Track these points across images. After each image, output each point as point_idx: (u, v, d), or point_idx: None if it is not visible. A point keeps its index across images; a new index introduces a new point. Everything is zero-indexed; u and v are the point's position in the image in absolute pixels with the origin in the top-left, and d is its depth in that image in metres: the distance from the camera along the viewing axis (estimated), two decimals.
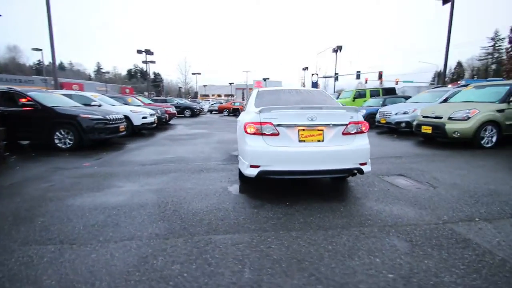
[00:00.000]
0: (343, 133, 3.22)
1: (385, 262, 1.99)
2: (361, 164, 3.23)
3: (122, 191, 3.65)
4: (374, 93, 13.64)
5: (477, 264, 1.96)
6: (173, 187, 3.79)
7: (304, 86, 62.10)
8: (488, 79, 43.15)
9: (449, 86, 12.99)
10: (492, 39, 61.39)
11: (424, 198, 3.31)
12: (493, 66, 61.35)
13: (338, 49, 25.14)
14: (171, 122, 15.08)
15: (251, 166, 3.18)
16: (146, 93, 39.34)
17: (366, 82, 38.11)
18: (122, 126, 7.71)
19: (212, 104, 30.16)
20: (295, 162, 3.12)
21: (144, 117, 9.66)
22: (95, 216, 2.83)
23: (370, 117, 10.69)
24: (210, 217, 2.78)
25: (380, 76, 34.98)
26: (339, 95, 16.47)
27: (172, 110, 14.69)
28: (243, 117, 3.78)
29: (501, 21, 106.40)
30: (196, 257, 2.05)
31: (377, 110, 10.32)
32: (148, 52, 29.06)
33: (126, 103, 11.23)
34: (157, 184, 3.94)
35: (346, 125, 3.22)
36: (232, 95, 64.28)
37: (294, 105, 3.65)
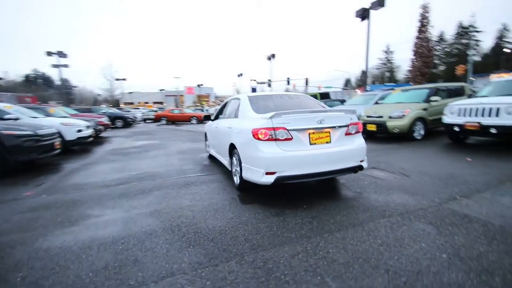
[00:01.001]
0: (346, 134, 3.43)
1: (430, 245, 2.21)
2: (361, 161, 3.50)
3: (108, 220, 3.00)
4: (313, 97, 14.96)
5: (489, 233, 2.37)
6: (170, 207, 3.33)
7: (238, 92, 63.19)
8: (385, 84, 52.34)
9: (357, 90, 15.34)
10: (385, 52, 75.54)
11: (407, 185, 3.80)
12: (387, 74, 75.42)
13: (272, 56, 26.66)
14: (104, 134, 13.17)
15: (267, 173, 3.07)
16: (53, 102, 33.16)
17: (294, 88, 41.64)
18: (57, 143, 6.34)
19: (144, 113, 27.66)
20: (309, 165, 3.16)
21: (79, 130, 8.15)
22: (98, 256, 2.25)
23: None
24: (242, 233, 2.55)
25: (307, 82, 38.62)
26: None
27: (106, 120, 12.86)
28: (243, 124, 3.61)
29: (392, 36, 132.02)
30: (266, 278, 1.85)
31: None
32: (61, 54, 24.59)
33: (48, 115, 9.27)
34: (146, 207, 3.39)
35: (348, 126, 3.44)
36: (162, 102, 60.39)
37: (291, 109, 3.70)
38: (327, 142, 3.30)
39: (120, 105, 53.27)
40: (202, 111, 25.68)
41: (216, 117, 5.78)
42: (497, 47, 57.15)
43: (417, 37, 17.60)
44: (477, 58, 57.12)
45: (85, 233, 2.71)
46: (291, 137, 3.15)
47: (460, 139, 6.72)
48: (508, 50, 46.02)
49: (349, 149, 3.38)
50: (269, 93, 4.58)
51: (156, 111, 26.47)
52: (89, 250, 2.34)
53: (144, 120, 25.21)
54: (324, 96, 15.37)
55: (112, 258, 2.21)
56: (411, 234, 2.40)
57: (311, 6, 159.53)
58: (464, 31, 59.63)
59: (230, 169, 4.28)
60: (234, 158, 3.95)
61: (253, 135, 3.22)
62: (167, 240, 2.47)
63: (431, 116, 7.60)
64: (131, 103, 62.40)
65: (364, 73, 16.87)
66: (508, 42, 55.54)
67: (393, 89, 11.10)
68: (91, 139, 8.96)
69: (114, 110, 20.27)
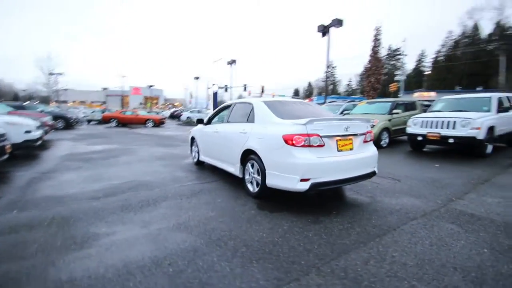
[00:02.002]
0: (364, 141, 3.63)
1: (468, 242, 2.48)
2: (374, 167, 3.74)
3: (127, 239, 2.56)
4: None
5: (499, 229, 2.77)
6: (195, 219, 3.01)
7: (191, 97, 60.91)
8: (330, 96, 57.08)
9: (307, 100, 16.67)
10: (328, 66, 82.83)
11: (406, 189, 4.20)
12: (331, 87, 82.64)
13: (232, 62, 26.64)
14: (46, 137, 11.23)
15: (302, 180, 3.05)
16: None
17: (249, 95, 42.70)
18: (7, 146, 5.19)
19: (85, 113, 24.55)
20: (338, 171, 3.24)
21: (27, 131, 6.80)
22: (150, 282, 1.90)
23: None
24: (296, 243, 2.46)
25: (262, 90, 39.64)
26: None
27: (50, 120, 11.01)
28: (268, 129, 3.51)
29: (335, 52, 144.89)
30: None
31: None
32: None
33: None
34: (164, 220, 3.00)
35: (365, 134, 3.65)
36: (104, 102, 54.59)
37: (308, 115, 3.75)
38: (350, 149, 3.44)
39: (51, 103, 46.28)
40: (158, 113, 24.03)
41: (209, 122, 5.50)
42: (417, 69, 68.36)
43: (371, 56, 19.99)
44: (403, 78, 67.31)
45: (109, 256, 2.27)
46: (323, 144, 3.19)
47: (420, 147, 7.73)
48: (427, 72, 55.29)
49: (367, 156, 3.58)
50: (280, 99, 4.56)
51: (103, 111, 23.74)
52: (133, 277, 1.96)
53: (88, 121, 22.37)
54: None
55: (171, 283, 1.89)
56: (446, 234, 2.65)
57: (271, 17, 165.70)
58: (393, 54, 69.66)
59: (240, 176, 4.10)
60: (248, 165, 3.81)
61: (286, 141, 3.16)
62: (221, 257, 2.23)
63: (393, 126, 8.57)
64: (65, 102, 54.83)
65: (325, 84, 18.13)
66: (425, 66, 66.90)
67: (345, 100, 12.20)
68: (40, 142, 7.56)
69: (53, 109, 17.47)
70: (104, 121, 20.49)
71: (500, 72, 36.04)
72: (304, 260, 2.18)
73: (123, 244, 2.46)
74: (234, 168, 4.25)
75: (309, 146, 3.13)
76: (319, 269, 2.04)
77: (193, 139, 6.23)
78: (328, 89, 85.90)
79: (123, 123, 19.83)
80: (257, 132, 3.68)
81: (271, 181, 3.37)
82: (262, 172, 3.51)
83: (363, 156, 3.52)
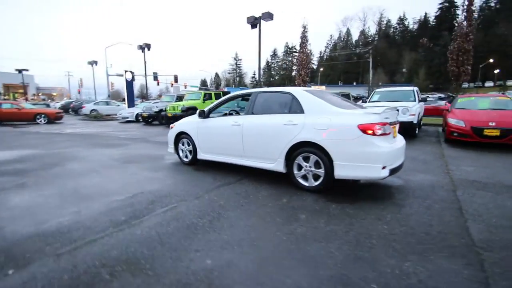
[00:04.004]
0: (398, 130, 4.02)
1: None
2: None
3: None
4: (217, 96, 14.82)
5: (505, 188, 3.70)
6: (282, 235, 2.64)
7: (80, 85, 50.58)
8: (240, 87, 59.33)
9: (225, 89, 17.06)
10: (235, 59, 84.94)
11: (410, 168, 4.94)
12: (238, 78, 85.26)
13: (146, 46, 23.12)
14: None
15: (383, 168, 3.14)
16: None
17: (185, 87, 39.94)
18: None
19: None
20: (398, 157, 3.49)
21: None
22: None
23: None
24: (421, 230, 2.55)
25: (176, 79, 36.95)
26: (181, 97, 15.73)
27: None
28: (336, 119, 3.35)
29: (241, 45, 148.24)
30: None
31: (242, 108, 11.59)
32: None
33: None
34: (245, 241, 2.50)
35: (398, 123, 4.04)
36: None
37: (344, 103, 3.86)
38: (394, 137, 3.74)
39: None
40: (49, 106, 18.51)
41: (207, 115, 4.79)
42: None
43: (300, 51, 21.70)
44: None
45: None
46: (390, 132, 3.35)
47: None
48: (321, 69, 64.72)
49: (403, 144, 3.95)
50: (312, 89, 4.38)
51: None
52: None
53: None
54: (221, 96, 15.59)
55: None
56: (500, 198, 3.31)
57: (178, 5, 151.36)
58: (290, 51, 78.12)
59: (283, 171, 3.81)
60: (300, 158, 3.59)
61: (364, 131, 3.14)
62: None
63: None
64: None
65: (259, 77, 18.40)
66: (314, 63, 78.26)
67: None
68: None
69: None
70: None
71: (369, 70, 46.17)
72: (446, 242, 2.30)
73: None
74: (273, 164, 3.89)
75: (385, 134, 3.23)
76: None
77: (179, 135, 5.27)
78: (235, 81, 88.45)
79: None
80: (316, 122, 3.47)
81: (341, 172, 3.30)
82: (325, 164, 3.38)
83: (403, 144, 3.87)
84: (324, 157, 3.39)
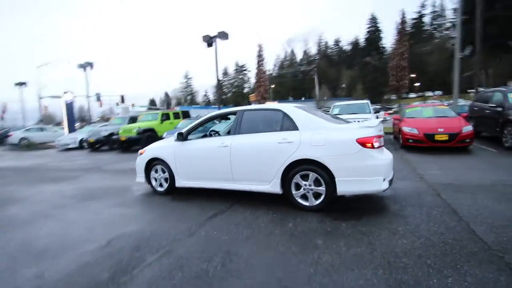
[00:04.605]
0: None
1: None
2: None
3: None
4: (176, 116, 13.99)
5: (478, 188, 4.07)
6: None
7: (4, 109, 43.81)
8: (192, 106, 58.15)
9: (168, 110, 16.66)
10: (185, 77, 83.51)
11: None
12: (189, 97, 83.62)
13: (88, 65, 20.85)
14: None
15: (383, 180, 3.15)
16: None
17: (133, 107, 37.44)
18: None
19: None
20: (392, 169, 3.56)
21: None
22: None
23: None
24: (431, 253, 2.54)
25: (122, 99, 34.50)
26: (135, 118, 14.40)
27: None
28: (332, 135, 3.28)
29: (191, 64, 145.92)
30: None
31: (207, 129, 11.12)
32: None
33: None
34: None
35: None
36: None
37: (328, 117, 3.88)
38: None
39: None
40: None
41: (185, 137, 4.36)
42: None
43: (257, 69, 21.97)
44: (250, 88, 79.04)
45: None
46: (383, 144, 3.41)
47: None
48: (273, 86, 67.50)
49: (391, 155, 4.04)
50: (301, 105, 4.27)
51: None
52: None
53: None
54: (186, 114, 14.87)
55: None
56: (480, 198, 3.56)
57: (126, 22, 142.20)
58: (240, 69, 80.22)
59: (279, 192, 3.58)
60: (297, 177, 3.42)
61: (363, 144, 3.13)
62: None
63: None
64: None
65: (218, 94, 18.13)
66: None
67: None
68: None
69: None
70: None
71: (316, 86, 49.82)
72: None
73: None
74: (268, 185, 3.63)
75: (380, 147, 3.27)
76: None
77: (151, 162, 4.67)
78: (186, 99, 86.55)
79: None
80: (313, 139, 3.35)
81: (344, 188, 3.21)
82: (326, 181, 3.26)
83: (391, 155, 3.97)
84: (324, 174, 3.28)
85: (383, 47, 76.89)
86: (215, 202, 4.00)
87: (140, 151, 4.93)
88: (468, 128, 7.10)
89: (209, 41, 16.26)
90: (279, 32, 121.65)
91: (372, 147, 3.15)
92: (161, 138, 12.20)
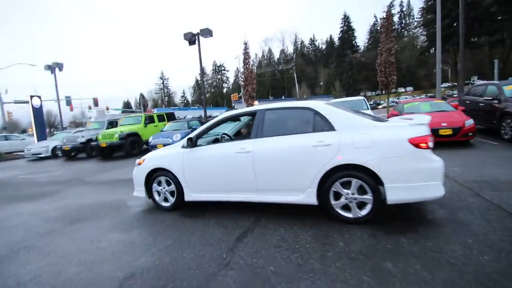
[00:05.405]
0: None
1: None
2: None
3: None
4: (161, 118, 13.02)
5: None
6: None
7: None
8: (171, 107, 56.40)
9: (143, 113, 15.90)
10: (161, 78, 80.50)
11: None
12: (166, 98, 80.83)
13: (56, 67, 18.84)
14: None
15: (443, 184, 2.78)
16: None
17: (107, 110, 35.65)
18: None
19: None
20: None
21: None
22: None
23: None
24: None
25: (96, 102, 32.48)
26: (114, 122, 13.21)
27: None
28: (381, 134, 2.87)
29: (167, 64, 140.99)
30: None
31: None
32: None
33: None
34: None
35: None
36: None
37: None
38: None
39: None
40: None
41: (195, 143, 3.75)
42: (236, 83, 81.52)
43: (244, 68, 21.25)
44: (228, 88, 77.98)
45: None
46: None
47: None
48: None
49: None
50: (330, 102, 3.82)
51: None
52: None
53: None
54: (171, 116, 13.95)
55: None
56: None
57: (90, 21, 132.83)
58: (218, 69, 78.94)
59: (315, 203, 3.11)
60: (337, 184, 2.97)
61: (416, 145, 2.73)
62: None
63: None
64: None
65: (203, 95, 17.22)
66: (240, 79, 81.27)
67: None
68: None
69: None
70: None
71: (295, 85, 50.12)
72: None
73: None
74: (301, 196, 3.14)
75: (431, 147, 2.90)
76: None
77: (152, 173, 4.00)
78: (163, 101, 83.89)
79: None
80: (355, 140, 2.90)
81: (396, 196, 2.80)
82: (373, 188, 2.84)
83: None
84: (371, 181, 2.85)
85: (357, 45, 79.51)
86: (235, 217, 3.44)
87: (138, 160, 4.23)
88: (470, 121, 7.08)
89: (191, 39, 15.43)
90: (255, 32, 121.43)
91: (427, 147, 2.77)
92: (146, 142, 11.31)
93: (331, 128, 3.09)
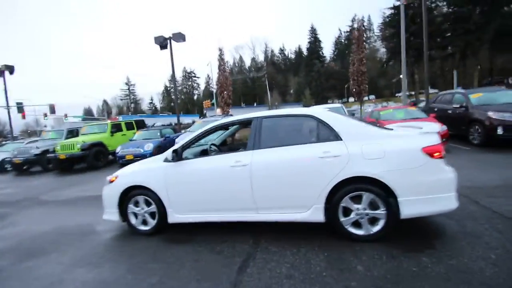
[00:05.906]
0: None
1: None
2: None
3: None
4: (129, 126, 11.96)
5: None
6: None
7: None
8: (138, 114, 53.76)
9: (108, 120, 15.16)
10: (127, 84, 76.48)
11: None
12: (132, 105, 76.85)
13: (6, 69, 16.49)
14: None
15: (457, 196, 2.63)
16: None
17: (66, 117, 33.01)
18: None
19: None
20: None
21: None
22: None
23: (159, 149, 9.66)
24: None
25: (53, 109, 29.70)
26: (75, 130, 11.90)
27: None
28: (393, 144, 2.66)
29: (132, 70, 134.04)
30: None
31: (171, 140, 9.73)
32: None
33: None
34: None
35: None
36: None
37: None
38: None
39: None
40: None
41: (180, 156, 3.27)
42: (207, 90, 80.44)
43: (219, 74, 20.62)
44: (199, 95, 76.54)
45: None
46: None
47: None
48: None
49: None
50: (332, 108, 3.54)
51: None
52: None
53: None
54: (141, 124, 12.93)
55: None
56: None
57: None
58: (189, 75, 77.22)
59: (321, 220, 2.79)
60: (347, 199, 2.70)
61: (430, 155, 2.56)
62: None
63: None
64: None
65: (175, 101, 16.33)
66: (212, 87, 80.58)
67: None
68: None
69: None
70: None
71: (267, 92, 50.67)
72: None
73: None
74: (307, 212, 2.81)
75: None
76: None
77: (127, 191, 3.41)
78: (129, 108, 79.79)
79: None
80: (365, 151, 2.65)
81: (410, 211, 2.59)
82: (387, 202, 2.61)
83: None
84: (383, 194, 2.62)
85: (324, 56, 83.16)
86: (230, 240, 3.00)
87: (109, 177, 3.60)
88: (443, 127, 7.39)
89: (162, 43, 14.66)
90: (225, 39, 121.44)
91: (440, 157, 2.61)
92: (113, 153, 10.30)
93: (336, 137, 2.82)
